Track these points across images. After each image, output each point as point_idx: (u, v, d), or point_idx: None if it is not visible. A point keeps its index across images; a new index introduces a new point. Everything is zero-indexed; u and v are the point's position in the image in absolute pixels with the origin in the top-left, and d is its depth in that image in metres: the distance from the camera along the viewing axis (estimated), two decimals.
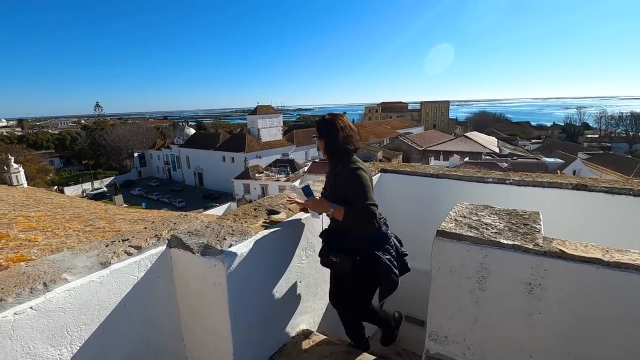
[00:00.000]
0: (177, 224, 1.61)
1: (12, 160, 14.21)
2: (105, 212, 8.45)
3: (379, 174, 2.82)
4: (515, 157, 43.70)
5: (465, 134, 61.09)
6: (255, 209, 1.84)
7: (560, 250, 1.31)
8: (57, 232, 4.64)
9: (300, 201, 2.13)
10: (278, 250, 1.69)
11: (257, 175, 39.12)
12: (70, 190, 49.06)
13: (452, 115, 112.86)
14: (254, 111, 52.81)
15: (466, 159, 39.06)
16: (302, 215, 1.89)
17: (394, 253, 1.97)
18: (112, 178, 56.19)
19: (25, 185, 14.09)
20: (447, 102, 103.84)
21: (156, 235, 1.49)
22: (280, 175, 38.70)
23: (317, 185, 2.33)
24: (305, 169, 40.60)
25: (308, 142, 58.69)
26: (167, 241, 1.47)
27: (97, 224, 6.12)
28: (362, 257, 1.91)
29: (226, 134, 57.23)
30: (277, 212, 1.85)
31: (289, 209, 1.90)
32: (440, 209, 2.66)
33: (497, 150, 52.25)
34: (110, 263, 1.28)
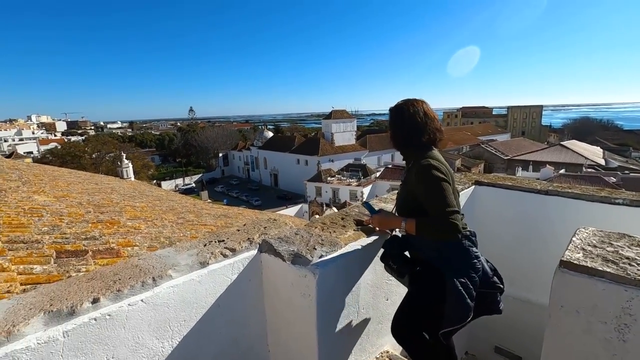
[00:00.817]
0: (268, 228, 1.62)
1: (124, 157, 16.54)
2: (194, 207, 9.31)
3: (473, 186, 2.54)
4: (626, 171, 37.25)
5: (561, 143, 54.10)
6: (342, 218, 1.78)
7: None
8: (156, 222, 5.20)
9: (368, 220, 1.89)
10: (366, 264, 1.61)
11: (329, 178, 39.70)
12: (166, 185, 55.66)
13: (545, 121, 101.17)
14: (329, 116, 53.80)
15: (562, 171, 34.50)
16: (395, 230, 1.78)
17: (475, 279, 1.55)
18: (199, 175, 62.25)
19: (133, 179, 16.30)
20: (540, 107, 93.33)
21: (249, 238, 1.52)
22: (352, 180, 38.70)
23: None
24: (378, 174, 40.00)
25: (381, 147, 57.83)
26: (258, 245, 1.49)
27: (187, 217, 6.74)
28: (426, 270, 1.59)
29: (301, 137, 59.31)
30: (367, 223, 1.77)
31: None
32: (549, 233, 2.30)
33: (602, 162, 45.23)
34: (208, 263, 1.33)
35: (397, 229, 1.73)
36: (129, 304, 1.12)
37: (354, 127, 55.59)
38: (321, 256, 1.40)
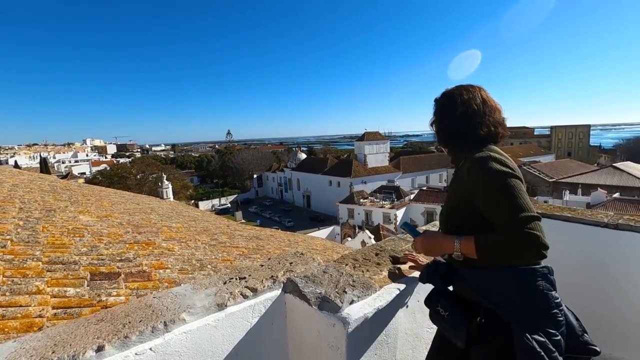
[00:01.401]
0: (294, 264, 1.48)
1: (165, 179, 17.29)
2: (227, 228, 9.40)
3: None
4: None
5: (613, 164, 50.14)
6: (377, 254, 1.60)
7: None
8: (189, 244, 5.22)
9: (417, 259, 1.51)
10: (404, 310, 1.40)
11: (361, 200, 39.22)
12: (203, 205, 57.63)
13: (594, 141, 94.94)
14: (362, 137, 53.85)
15: (616, 195, 31.75)
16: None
17: (557, 337, 1.07)
18: (235, 196, 63.99)
19: (172, 199, 16.92)
20: (587, 126, 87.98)
21: (272, 276, 1.38)
22: (385, 202, 37.95)
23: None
24: (412, 196, 38.98)
25: (415, 169, 56.65)
26: (282, 285, 1.34)
27: (220, 238, 6.76)
28: (490, 323, 1.14)
29: (334, 159, 59.62)
30: (403, 262, 1.56)
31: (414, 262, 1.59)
32: (623, 277, 1.96)
33: None
34: (226, 305, 1.20)
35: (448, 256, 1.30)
36: (135, 354, 1.01)
37: (387, 148, 55.13)
38: (352, 301, 1.22)
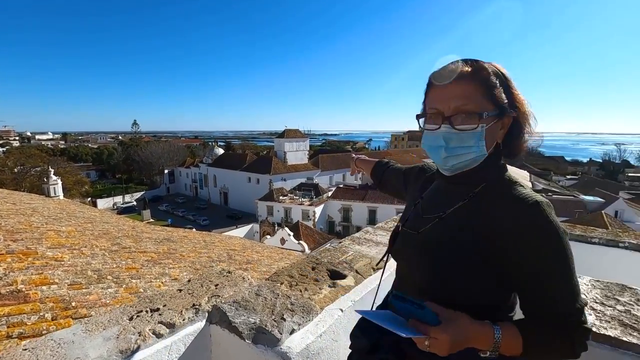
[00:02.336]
0: (220, 287, 1.25)
1: (52, 173, 14.74)
2: (133, 230, 8.36)
3: None
4: (550, 194, 41.54)
5: None
6: (313, 268, 1.46)
7: None
8: (84, 251, 4.46)
9: None
10: (346, 332, 1.28)
11: (281, 197, 39.12)
12: (102, 203, 50.95)
13: None
14: (282, 134, 53.71)
15: None
16: (373, 281, 1.48)
17: None
18: (142, 193, 58.07)
19: (62, 197, 14.52)
20: None
21: (194, 304, 1.14)
22: (304, 199, 38.50)
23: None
24: (329, 194, 40.27)
25: (333, 167, 58.68)
26: (207, 314, 1.12)
27: (123, 242, 5.95)
28: None
29: (253, 155, 58.31)
30: (343, 276, 1.46)
31: (357, 272, 1.50)
32: None
33: (529, 184, 50.02)
34: (133, 350, 0.93)
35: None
36: None
37: (306, 146, 55.96)
38: (292, 331, 1.07)
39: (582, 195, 40.64)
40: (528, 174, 60.30)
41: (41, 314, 2.36)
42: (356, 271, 1.46)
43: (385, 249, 1.76)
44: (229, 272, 1.39)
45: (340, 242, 1.76)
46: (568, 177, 71.12)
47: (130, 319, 1.05)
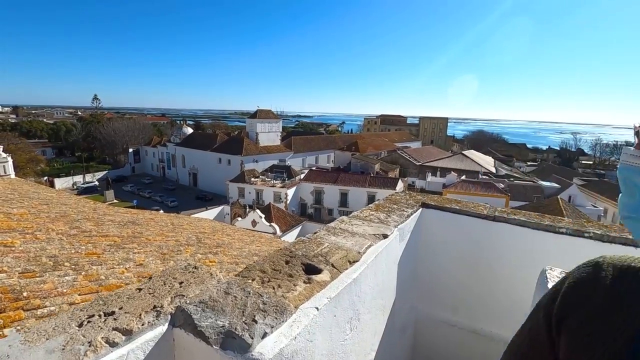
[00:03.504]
0: (185, 285, 1.14)
1: (1, 149, 13.61)
2: (94, 212, 7.90)
3: (420, 209, 2.37)
4: (511, 179, 43.78)
5: (462, 152, 61.31)
6: (287, 262, 1.38)
7: None
8: (39, 235, 4.16)
9: None
10: (321, 331, 1.21)
11: (252, 179, 38.60)
12: (61, 183, 48.06)
13: (449, 132, 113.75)
14: (254, 115, 52.55)
15: (463, 177, 38.99)
16: (350, 275, 1.42)
17: None
18: (104, 172, 55.26)
19: (13, 176, 13.48)
20: (446, 119, 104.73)
21: (155, 306, 1.03)
22: (276, 181, 38.23)
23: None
24: (302, 176, 40.20)
25: (306, 149, 58.45)
26: (169, 316, 1.01)
27: (83, 225, 5.62)
28: None
29: (224, 135, 56.80)
30: (318, 270, 1.38)
31: (334, 266, 1.43)
32: (496, 260, 2.24)
33: (493, 170, 52.45)
34: None
35: None
36: None
37: (279, 127, 55.20)
38: (265, 334, 0.98)
39: (540, 180, 43.19)
40: (492, 159, 63.08)
41: None
42: (332, 265, 1.39)
43: (361, 239, 1.71)
44: (195, 267, 1.28)
45: (315, 233, 1.69)
46: (529, 163, 75.23)
47: (80, 325, 0.93)
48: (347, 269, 1.44)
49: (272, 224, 25.36)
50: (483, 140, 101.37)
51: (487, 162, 58.12)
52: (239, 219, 27.59)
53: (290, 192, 37.04)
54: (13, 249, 3.44)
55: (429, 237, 2.36)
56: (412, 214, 2.27)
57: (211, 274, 1.26)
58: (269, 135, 52.48)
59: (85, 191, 47.23)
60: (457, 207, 2.34)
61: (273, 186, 36.99)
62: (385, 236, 1.79)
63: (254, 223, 25.06)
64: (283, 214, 28.47)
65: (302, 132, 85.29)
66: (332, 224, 1.87)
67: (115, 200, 42.86)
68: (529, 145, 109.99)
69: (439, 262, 2.37)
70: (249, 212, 27.35)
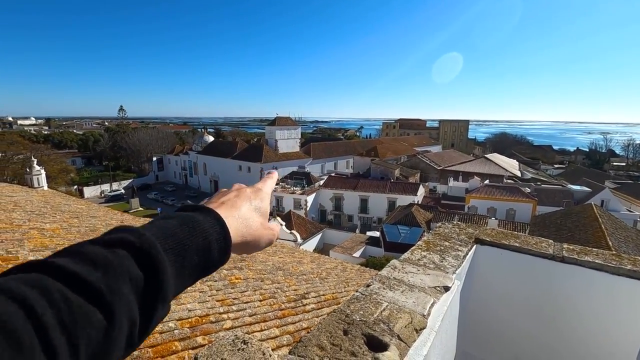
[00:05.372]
0: None
1: (35, 162, 14.14)
2: (122, 225, 8.01)
3: (474, 246, 2.15)
4: (538, 183, 42.17)
5: (485, 156, 59.73)
6: (345, 333, 1.20)
7: None
8: None
9: None
10: None
11: None
12: (90, 191, 49.88)
13: (471, 135, 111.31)
14: (273, 122, 53.04)
15: (486, 182, 37.85)
16: (420, 350, 1.23)
17: None
18: (130, 180, 57.01)
19: (46, 187, 13.98)
20: (467, 122, 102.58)
21: None
22: (296, 188, 38.28)
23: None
24: (321, 182, 40.11)
25: (324, 155, 58.44)
26: None
27: None
28: None
29: (244, 142, 57.58)
30: (384, 346, 1.20)
31: (400, 338, 1.24)
32: (568, 307, 1.99)
33: (518, 173, 50.80)
34: None
35: None
36: None
37: (298, 134, 55.47)
38: None
39: (570, 184, 41.38)
40: (517, 163, 61.07)
41: None
42: (398, 337, 1.21)
43: (422, 295, 1.52)
44: (244, 342, 1.13)
45: (368, 286, 1.51)
46: (556, 166, 72.44)
47: None
48: (415, 340, 1.25)
49: (293, 231, 25.32)
50: (506, 143, 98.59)
51: (511, 165, 56.34)
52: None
53: (310, 198, 37.00)
54: None
55: (484, 278, 2.14)
56: (467, 254, 2.05)
57: (263, 353, 1.10)
58: (288, 142, 52.80)
59: (112, 199, 48.86)
60: (517, 245, 2.11)
61: (293, 193, 37.06)
62: (446, 288, 1.59)
63: None
64: (303, 221, 28.40)
65: (320, 138, 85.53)
66: (384, 273, 1.69)
67: (140, 208, 44.07)
68: (555, 147, 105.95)
69: (494, 307, 2.14)
70: (270, 220, 27.39)
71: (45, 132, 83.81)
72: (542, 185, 39.51)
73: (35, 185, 13.60)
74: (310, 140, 69.44)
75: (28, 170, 13.94)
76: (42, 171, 14.12)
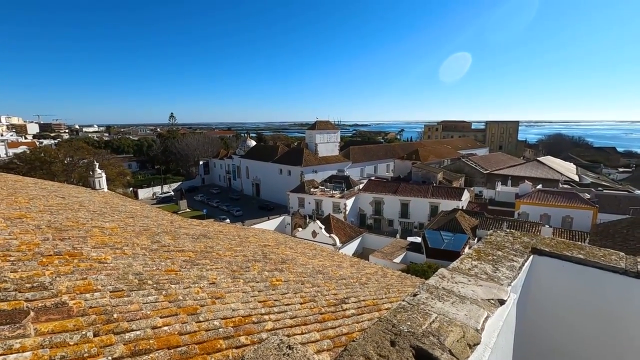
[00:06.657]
0: None
1: (97, 166, 15.44)
2: (171, 225, 8.49)
3: (531, 256, 1.98)
4: (599, 188, 38.57)
5: (537, 159, 55.79)
6: (393, 344, 1.15)
7: None
8: (126, 251, 4.45)
9: None
10: None
11: (312, 189, 39.13)
12: (143, 193, 53.58)
13: (521, 136, 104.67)
14: (313, 126, 53.58)
15: (539, 187, 35.28)
16: None
17: None
18: (179, 183, 60.44)
19: (106, 189, 15.19)
20: (516, 123, 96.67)
21: None
22: (335, 192, 38.28)
23: None
24: (361, 186, 39.77)
25: (364, 159, 57.97)
26: None
27: (162, 239, 5.98)
28: None
29: (284, 147, 58.76)
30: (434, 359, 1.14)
31: (452, 353, 1.17)
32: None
33: (576, 178, 46.84)
34: None
35: None
36: None
37: (337, 138, 55.55)
38: None
39: (637, 190, 37.36)
40: (574, 166, 56.38)
41: (83, 332, 2.25)
42: (450, 352, 1.14)
43: (475, 307, 1.42)
44: (289, 347, 1.12)
45: (415, 296, 1.44)
46: (620, 169, 65.79)
47: None
48: (468, 357, 1.16)
49: (332, 235, 25.30)
50: (562, 145, 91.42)
51: (567, 169, 52.15)
52: (300, 229, 28.02)
53: (349, 202, 36.80)
54: (106, 265, 3.68)
55: (543, 292, 1.96)
56: (523, 265, 1.90)
57: (307, 359, 1.08)
58: (327, 145, 53.05)
59: (163, 201, 52.07)
60: (581, 256, 1.92)
61: (332, 196, 37.09)
62: (501, 302, 1.47)
63: (314, 234, 25.24)
64: (342, 225, 28.29)
65: (360, 142, 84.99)
66: (432, 281, 1.60)
67: (187, 210, 46.51)
68: (619, 149, 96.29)
69: (555, 324, 1.96)
70: (309, 222, 27.63)
71: (106, 138, 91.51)
72: (604, 191, 36.12)
73: (97, 187, 14.82)
74: (350, 144, 69.23)
75: (91, 173, 15.24)
76: (103, 174, 15.38)
